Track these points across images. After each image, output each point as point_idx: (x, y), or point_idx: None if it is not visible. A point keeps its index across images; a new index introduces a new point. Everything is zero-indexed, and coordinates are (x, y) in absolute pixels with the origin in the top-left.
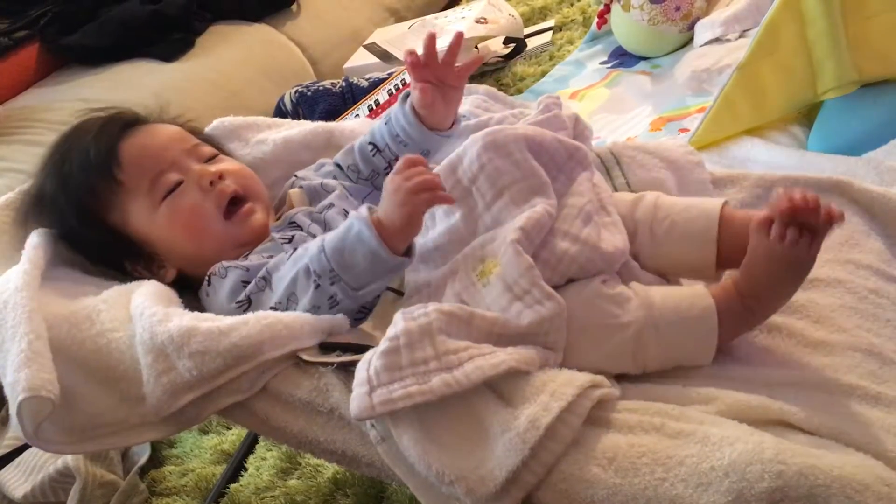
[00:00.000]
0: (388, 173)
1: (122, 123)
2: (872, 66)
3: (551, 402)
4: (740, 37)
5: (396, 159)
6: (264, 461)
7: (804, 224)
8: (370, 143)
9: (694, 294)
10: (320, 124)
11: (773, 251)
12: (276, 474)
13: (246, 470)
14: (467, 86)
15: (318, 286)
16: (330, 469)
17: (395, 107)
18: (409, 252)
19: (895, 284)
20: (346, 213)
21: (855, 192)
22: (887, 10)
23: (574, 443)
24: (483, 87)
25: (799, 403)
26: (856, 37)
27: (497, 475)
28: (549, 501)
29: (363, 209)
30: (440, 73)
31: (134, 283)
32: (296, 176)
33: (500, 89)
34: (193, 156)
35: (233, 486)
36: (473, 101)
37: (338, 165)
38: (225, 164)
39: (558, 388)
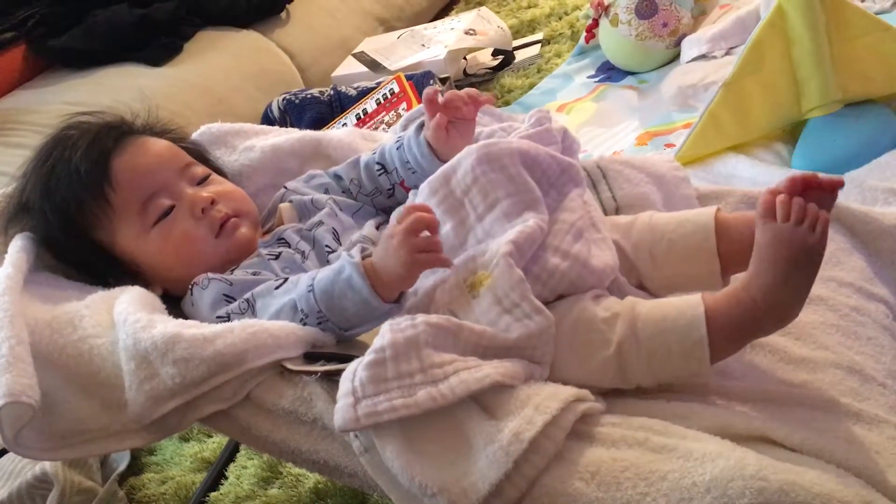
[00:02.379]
0: (391, 194)
1: (114, 137)
2: (856, 86)
3: (535, 415)
4: (726, 54)
5: (402, 183)
6: (245, 470)
7: (807, 198)
8: (378, 164)
9: (684, 304)
10: (308, 133)
11: (781, 234)
12: (256, 483)
13: (226, 478)
14: None
15: (304, 324)
16: (311, 478)
17: (410, 135)
18: (398, 299)
19: (876, 302)
20: (334, 232)
21: (837, 210)
22: (870, 31)
23: (557, 456)
24: None
25: (781, 420)
26: (840, 57)
27: (480, 488)
28: None
29: (355, 252)
30: (457, 113)
31: (118, 289)
32: (286, 188)
33: None
34: (185, 178)
35: (213, 494)
36: None
37: (337, 177)
38: (217, 187)
39: (542, 401)
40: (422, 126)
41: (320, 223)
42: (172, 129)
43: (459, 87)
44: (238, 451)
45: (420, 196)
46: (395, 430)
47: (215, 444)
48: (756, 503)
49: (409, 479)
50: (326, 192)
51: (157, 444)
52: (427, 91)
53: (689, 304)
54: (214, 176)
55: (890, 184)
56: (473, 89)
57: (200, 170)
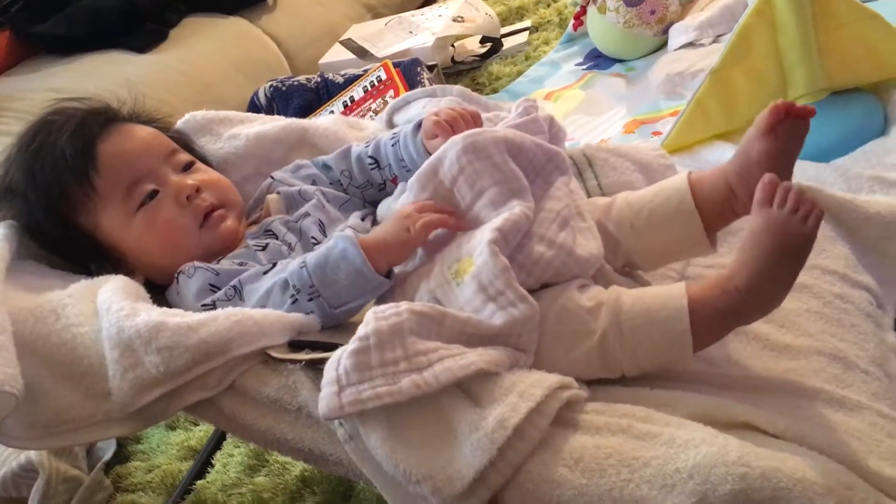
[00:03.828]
0: (382, 188)
1: (99, 122)
2: (842, 74)
3: (519, 402)
4: (714, 42)
5: (394, 180)
6: (231, 458)
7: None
8: (371, 157)
9: (668, 294)
10: (294, 121)
11: (775, 220)
12: (243, 471)
13: (213, 466)
14: (441, 86)
15: (295, 301)
16: (297, 467)
17: (407, 133)
18: (389, 274)
19: (860, 290)
20: (320, 224)
21: (822, 198)
22: (857, 19)
23: (541, 443)
24: (457, 88)
25: (764, 407)
26: (826, 45)
27: (464, 475)
28: (516, 502)
29: (348, 230)
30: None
31: (101, 278)
32: (272, 178)
33: (475, 88)
34: (170, 164)
35: (199, 482)
36: (448, 103)
37: (326, 167)
38: (202, 175)
39: (527, 388)
40: (419, 125)
41: (307, 214)
42: (158, 118)
43: (447, 75)
44: (224, 440)
45: (411, 191)
46: (379, 418)
47: (202, 432)
48: (738, 489)
49: (394, 467)
50: (314, 183)
51: (144, 433)
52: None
53: (672, 295)
54: (199, 164)
55: (875, 172)
56: (476, 111)
57: (185, 157)
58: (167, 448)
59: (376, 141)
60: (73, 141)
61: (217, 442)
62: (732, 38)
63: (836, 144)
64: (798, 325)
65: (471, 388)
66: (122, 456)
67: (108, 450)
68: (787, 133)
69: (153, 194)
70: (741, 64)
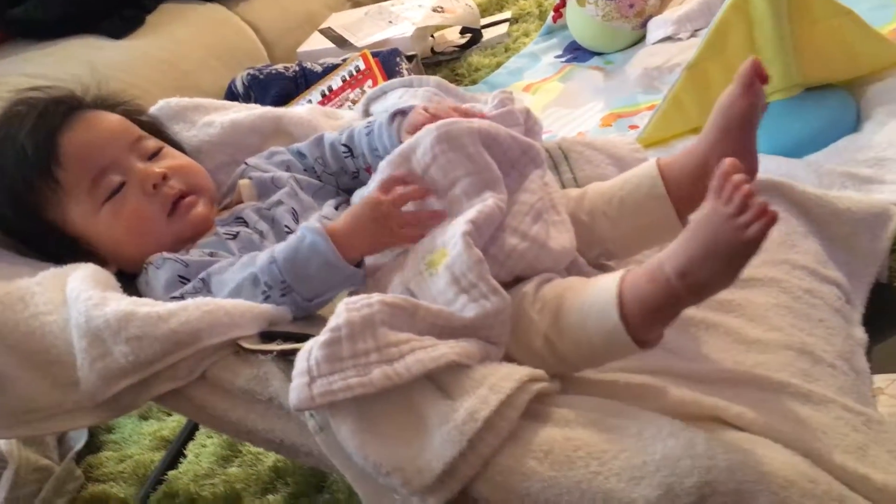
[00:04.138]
0: (355, 176)
1: (61, 112)
2: (817, 71)
3: (490, 395)
4: (692, 36)
5: (368, 169)
6: (204, 448)
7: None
8: (345, 146)
9: (602, 288)
10: (269, 109)
11: (714, 217)
12: (215, 462)
13: (185, 457)
14: (417, 77)
15: (267, 297)
16: (270, 457)
17: (382, 123)
18: (360, 263)
19: (829, 285)
20: (294, 212)
21: (793, 193)
22: (832, 16)
23: (511, 436)
24: (434, 79)
25: (732, 400)
26: (801, 41)
27: (434, 467)
28: (486, 494)
29: (314, 221)
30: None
31: (70, 266)
32: (246, 164)
33: (454, 79)
34: (136, 152)
35: (171, 473)
36: (424, 93)
37: (300, 154)
38: (170, 161)
39: (497, 381)
40: (394, 115)
41: (280, 202)
42: (125, 101)
43: (427, 66)
44: (197, 430)
45: (379, 173)
46: (349, 410)
47: (174, 422)
48: (704, 481)
49: (364, 459)
50: (288, 169)
51: (116, 422)
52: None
53: (604, 290)
54: (168, 149)
55: (847, 168)
56: (463, 107)
57: (153, 143)
58: (139, 438)
59: (350, 129)
60: (33, 134)
61: (190, 432)
62: (709, 32)
63: (810, 140)
64: (767, 320)
65: (442, 380)
66: (93, 446)
67: (79, 439)
68: (761, 89)
69: (119, 187)
70: (717, 59)
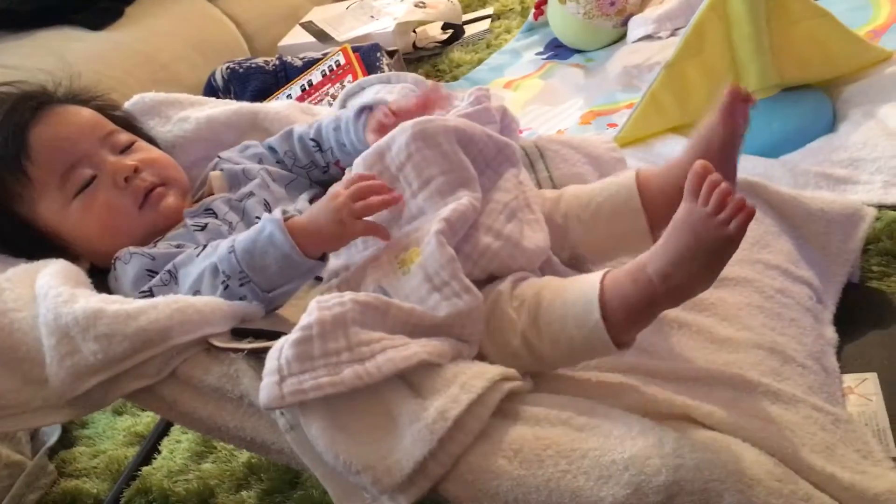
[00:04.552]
0: (325, 171)
1: (31, 107)
2: (794, 71)
3: (461, 394)
4: (672, 35)
5: (337, 163)
6: (179, 444)
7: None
8: (314, 140)
9: (581, 288)
10: (245, 105)
11: (694, 218)
12: (190, 458)
13: (159, 453)
14: (394, 73)
15: (226, 287)
16: (245, 453)
17: (350, 119)
18: (324, 257)
19: (801, 285)
20: (265, 203)
21: (768, 193)
22: (809, 17)
23: (482, 434)
24: (411, 76)
25: (702, 398)
26: (779, 41)
27: (404, 465)
28: (456, 493)
29: (277, 212)
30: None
31: (41, 262)
32: (219, 157)
33: (435, 75)
34: (108, 146)
35: (145, 468)
36: (401, 90)
37: (271, 149)
38: (141, 154)
39: (468, 380)
40: (362, 110)
41: (251, 194)
42: (98, 96)
43: (408, 61)
44: (172, 426)
45: (354, 170)
46: (320, 408)
47: (149, 418)
48: (672, 480)
49: (334, 457)
50: (260, 161)
51: (90, 418)
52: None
53: (585, 290)
54: (140, 143)
55: (822, 168)
56: (432, 95)
57: (125, 137)
58: (113, 433)
59: (318, 124)
60: (2, 130)
61: (164, 428)
62: (687, 32)
63: (786, 140)
64: (739, 319)
65: (413, 379)
66: (66, 441)
67: (52, 435)
68: (743, 116)
69: (90, 181)
70: (695, 58)
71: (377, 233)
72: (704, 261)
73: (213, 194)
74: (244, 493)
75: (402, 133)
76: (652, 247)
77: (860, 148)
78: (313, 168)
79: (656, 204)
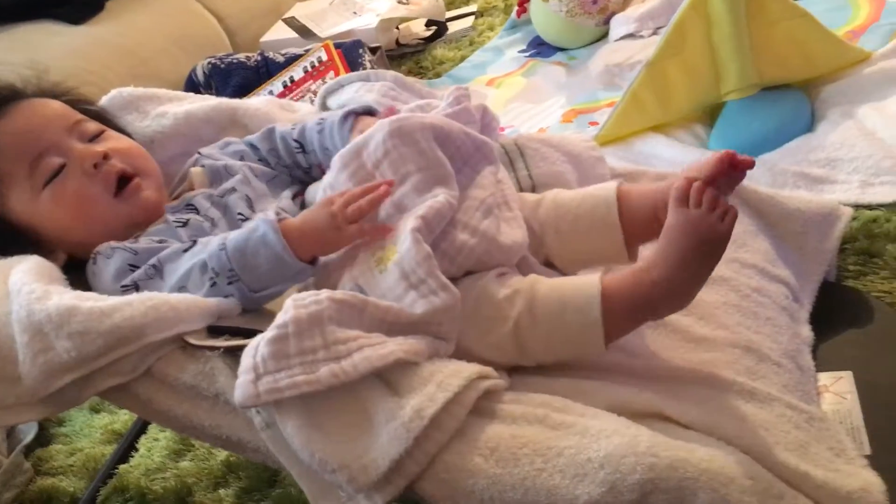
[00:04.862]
0: (308, 172)
1: None
2: (773, 71)
3: (437, 392)
4: (654, 34)
5: (320, 167)
6: (156, 442)
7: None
8: (297, 142)
9: (582, 284)
10: (224, 101)
11: (692, 220)
12: (167, 456)
13: (137, 451)
14: (374, 71)
15: (214, 284)
16: (223, 452)
17: (335, 122)
18: (314, 261)
19: (777, 284)
20: (247, 199)
21: (746, 193)
22: (788, 17)
23: (458, 433)
24: (391, 74)
25: (678, 397)
26: (758, 41)
27: (380, 464)
28: (432, 492)
29: (271, 213)
30: None
31: (14, 258)
32: (199, 153)
33: (418, 72)
34: (75, 134)
35: (122, 466)
36: (381, 88)
37: (252, 146)
38: (111, 143)
39: (445, 378)
40: (347, 115)
41: (233, 190)
42: (68, 91)
43: (391, 58)
44: (150, 424)
45: (332, 169)
46: (296, 407)
47: (126, 415)
48: (646, 479)
49: (310, 456)
50: (242, 159)
51: (66, 415)
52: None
53: (586, 285)
54: (110, 132)
55: (800, 168)
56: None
57: (93, 126)
58: (91, 431)
59: (302, 125)
60: None
61: (142, 426)
62: (668, 31)
63: (765, 139)
64: (716, 318)
65: (390, 378)
66: (43, 439)
67: (28, 432)
68: (729, 183)
69: (59, 170)
70: (676, 58)
71: (372, 235)
72: (704, 260)
73: (193, 190)
74: (222, 491)
75: (379, 130)
76: (649, 256)
77: (838, 148)
78: (295, 168)
79: (634, 221)
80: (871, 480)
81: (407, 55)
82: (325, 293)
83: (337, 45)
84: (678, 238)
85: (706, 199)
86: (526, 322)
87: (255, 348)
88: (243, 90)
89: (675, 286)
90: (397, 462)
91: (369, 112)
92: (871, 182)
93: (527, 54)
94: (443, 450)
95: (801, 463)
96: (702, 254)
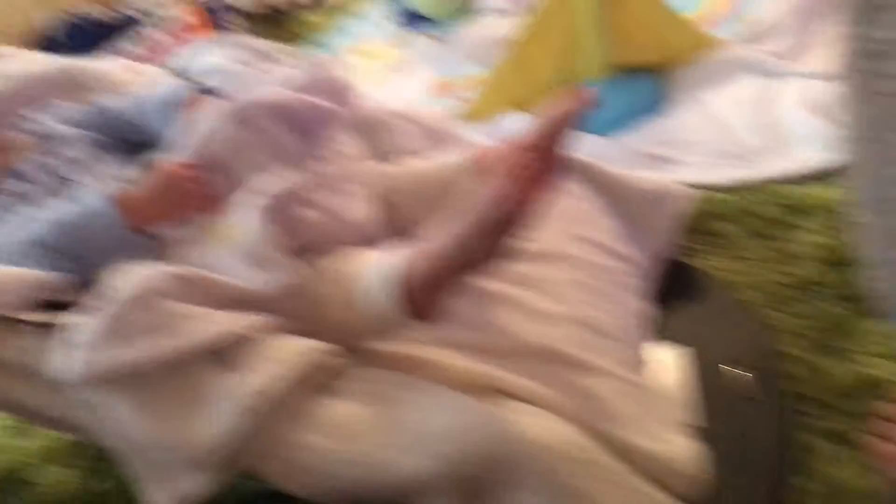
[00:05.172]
0: (143, 145)
1: None
2: (629, 54)
3: (276, 369)
4: (522, 12)
5: (156, 142)
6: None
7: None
8: (132, 116)
9: (377, 262)
10: (69, 62)
11: (485, 191)
12: (8, 434)
13: None
14: (227, 37)
15: (45, 257)
16: None
17: (174, 101)
18: (151, 236)
19: (622, 261)
20: (77, 165)
21: (594, 172)
22: (641, 1)
23: (298, 411)
24: (243, 39)
25: (516, 371)
26: (616, 24)
27: (215, 441)
28: (273, 471)
29: (105, 184)
30: None
31: None
32: (26, 117)
33: (288, 38)
34: None
35: None
36: (228, 53)
37: (88, 113)
38: None
39: (284, 356)
40: (185, 95)
41: (63, 156)
42: None
43: (263, 21)
44: None
45: (177, 154)
46: (127, 384)
47: None
48: (483, 452)
49: (142, 433)
50: (77, 126)
51: None
52: None
53: (381, 263)
54: None
55: (648, 148)
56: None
57: None
58: None
59: (141, 101)
60: None
61: None
62: (532, 12)
63: (618, 120)
64: (559, 294)
65: (227, 354)
66: None
67: None
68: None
69: None
70: (539, 37)
71: (209, 206)
72: (489, 234)
73: (20, 155)
74: (67, 470)
75: (222, 115)
76: (439, 226)
77: (685, 131)
78: (131, 138)
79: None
80: (699, 451)
81: (279, 20)
82: (163, 267)
83: (204, 8)
84: (465, 207)
85: (505, 177)
86: (343, 307)
87: (86, 324)
88: (102, 49)
89: (463, 254)
90: (232, 439)
91: (210, 91)
92: (713, 164)
93: (398, 25)
94: (281, 427)
95: (632, 435)
96: (484, 226)
